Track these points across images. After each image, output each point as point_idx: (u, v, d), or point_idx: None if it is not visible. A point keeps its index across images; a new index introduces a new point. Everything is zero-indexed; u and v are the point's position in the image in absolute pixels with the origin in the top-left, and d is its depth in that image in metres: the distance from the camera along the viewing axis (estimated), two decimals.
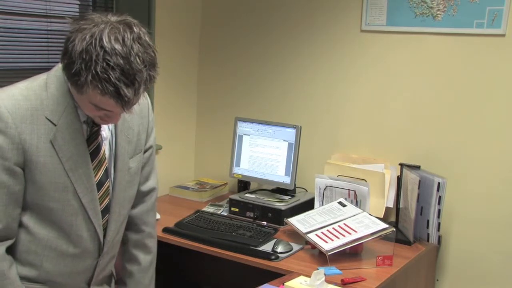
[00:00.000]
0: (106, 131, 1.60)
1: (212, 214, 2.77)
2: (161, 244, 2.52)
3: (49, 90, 1.48)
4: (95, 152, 1.56)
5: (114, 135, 1.62)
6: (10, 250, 1.53)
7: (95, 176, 1.56)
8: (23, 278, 1.55)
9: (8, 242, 1.51)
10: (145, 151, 1.75)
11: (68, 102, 1.49)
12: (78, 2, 2.67)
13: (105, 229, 1.63)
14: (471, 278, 2.63)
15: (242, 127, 2.92)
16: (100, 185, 1.58)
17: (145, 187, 1.80)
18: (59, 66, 1.50)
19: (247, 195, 2.84)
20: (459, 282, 2.66)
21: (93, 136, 1.56)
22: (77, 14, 2.69)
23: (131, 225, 1.80)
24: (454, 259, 2.66)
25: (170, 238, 2.51)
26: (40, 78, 1.51)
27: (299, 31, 2.97)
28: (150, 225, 1.84)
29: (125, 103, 1.37)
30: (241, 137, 2.92)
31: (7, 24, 2.45)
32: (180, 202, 3.01)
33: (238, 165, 2.93)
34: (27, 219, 1.53)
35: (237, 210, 2.77)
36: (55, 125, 1.47)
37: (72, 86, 1.43)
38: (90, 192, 1.55)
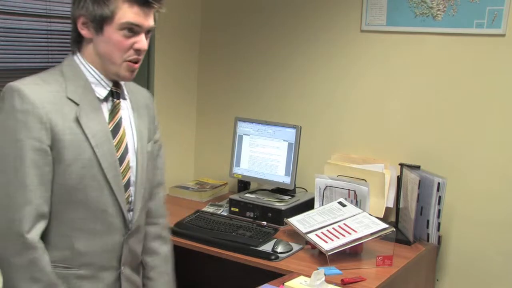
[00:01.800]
0: (125, 110, 1.69)
1: (212, 214, 2.77)
2: None
3: (65, 75, 1.58)
4: (116, 129, 1.64)
5: (133, 118, 1.71)
6: (43, 236, 1.56)
7: (117, 152, 1.63)
8: (59, 262, 1.58)
9: (41, 225, 1.54)
10: (154, 142, 1.85)
11: (85, 82, 1.59)
12: None
13: (131, 205, 1.69)
14: (471, 278, 2.63)
15: (242, 127, 2.92)
16: (121, 160, 1.64)
17: (158, 181, 1.90)
18: (68, 57, 1.63)
19: (247, 195, 2.84)
20: (459, 282, 2.66)
21: (114, 110, 1.64)
22: None
23: (148, 219, 1.85)
24: (454, 259, 2.66)
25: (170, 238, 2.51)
26: (55, 68, 1.62)
27: (299, 31, 2.97)
28: (164, 216, 1.93)
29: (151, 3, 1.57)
30: (241, 137, 2.92)
31: (7, 24, 2.44)
32: (180, 202, 3.01)
33: (238, 165, 2.93)
34: (55, 204, 1.56)
35: (237, 210, 2.77)
36: (77, 104, 1.56)
37: (99, 23, 1.54)
38: (114, 168, 1.61)
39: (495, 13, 2.46)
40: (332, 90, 2.91)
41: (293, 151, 2.76)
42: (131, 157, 1.68)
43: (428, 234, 2.49)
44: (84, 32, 1.57)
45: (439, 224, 2.46)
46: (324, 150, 2.92)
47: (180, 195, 3.10)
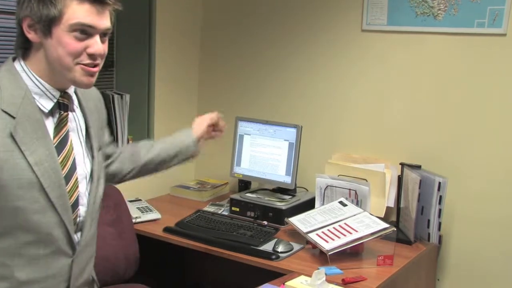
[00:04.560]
0: (72, 122, 1.54)
1: (213, 213, 2.77)
2: (162, 244, 2.53)
3: (1, 84, 1.41)
4: (61, 144, 1.48)
5: (85, 127, 1.58)
6: None
7: (63, 169, 1.46)
8: None
9: None
10: (107, 145, 1.80)
11: (25, 93, 1.41)
12: None
13: (79, 225, 1.54)
14: (472, 278, 2.63)
15: (243, 127, 2.91)
16: (68, 178, 1.48)
17: (111, 148, 1.85)
18: (7, 63, 1.47)
19: (247, 194, 2.84)
20: (460, 281, 2.66)
21: (61, 124, 1.48)
22: None
23: (130, 157, 1.93)
24: (455, 258, 2.66)
25: (170, 238, 2.51)
26: None
27: (299, 31, 2.97)
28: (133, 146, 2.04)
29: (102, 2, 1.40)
30: (241, 136, 2.92)
31: (7, 24, 2.44)
32: (181, 202, 3.01)
33: (238, 164, 2.93)
34: None
35: (237, 209, 2.77)
36: (13, 117, 1.38)
37: (46, 24, 1.38)
38: (58, 187, 1.44)
39: (496, 12, 2.46)
40: (333, 89, 2.91)
41: (293, 151, 2.76)
42: (79, 174, 1.52)
43: (429, 234, 2.49)
44: (31, 35, 1.41)
45: (440, 223, 2.46)
46: (325, 150, 2.92)
47: (180, 194, 3.10)
